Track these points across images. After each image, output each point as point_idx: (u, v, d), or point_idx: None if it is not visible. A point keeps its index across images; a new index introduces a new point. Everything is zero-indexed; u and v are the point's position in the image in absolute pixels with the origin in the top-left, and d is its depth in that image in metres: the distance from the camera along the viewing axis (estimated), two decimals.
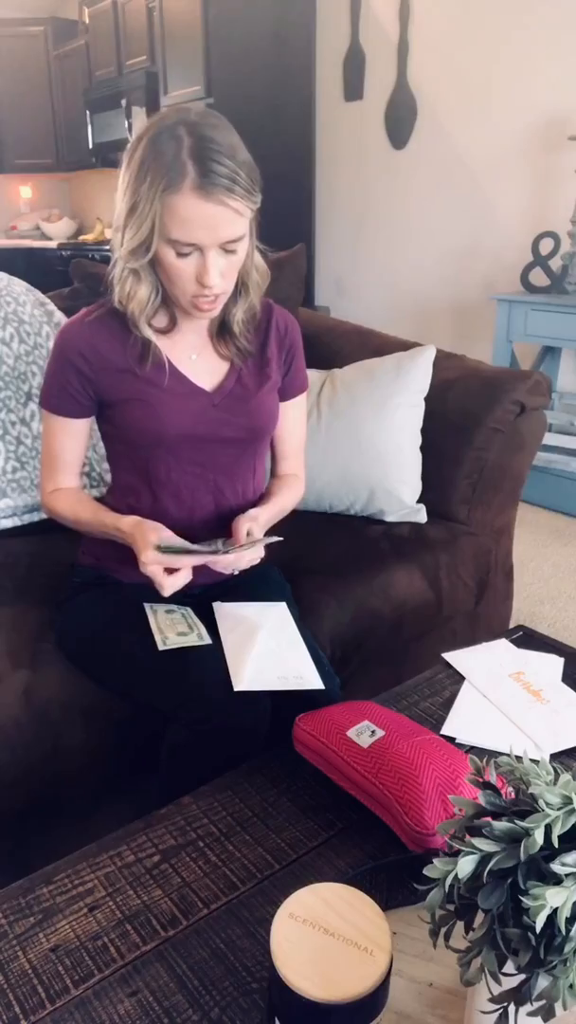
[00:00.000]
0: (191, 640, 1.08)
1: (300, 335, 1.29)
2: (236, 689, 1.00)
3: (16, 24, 5.38)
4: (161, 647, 1.07)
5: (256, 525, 1.15)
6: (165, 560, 1.06)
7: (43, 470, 1.23)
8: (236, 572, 1.14)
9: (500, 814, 0.59)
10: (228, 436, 1.19)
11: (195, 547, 1.09)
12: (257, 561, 1.14)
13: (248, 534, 1.12)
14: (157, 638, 1.08)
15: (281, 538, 1.14)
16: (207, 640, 1.08)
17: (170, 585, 1.06)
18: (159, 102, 4.20)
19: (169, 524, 1.20)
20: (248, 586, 1.24)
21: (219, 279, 1.05)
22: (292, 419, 1.31)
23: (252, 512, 1.18)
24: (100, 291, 1.15)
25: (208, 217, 0.99)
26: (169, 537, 1.09)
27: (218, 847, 0.84)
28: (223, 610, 1.16)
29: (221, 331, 1.19)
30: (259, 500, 1.29)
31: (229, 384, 1.19)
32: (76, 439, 1.20)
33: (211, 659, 1.05)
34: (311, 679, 1.03)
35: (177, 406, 1.15)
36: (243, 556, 1.10)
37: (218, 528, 1.23)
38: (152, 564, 1.05)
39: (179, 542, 1.09)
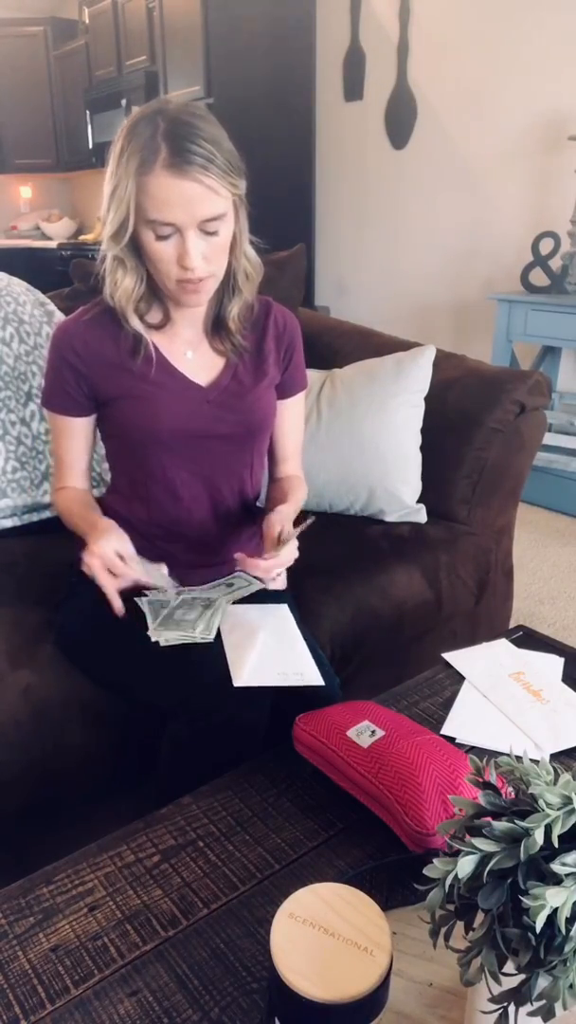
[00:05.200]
0: (188, 638, 1.08)
1: (300, 333, 1.28)
2: (236, 685, 1.00)
3: (16, 24, 5.37)
4: (153, 636, 1.08)
5: (288, 524, 1.14)
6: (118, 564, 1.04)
7: (54, 469, 1.25)
8: (276, 576, 1.12)
9: (500, 814, 0.59)
10: (223, 432, 1.19)
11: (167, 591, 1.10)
12: (295, 558, 1.11)
13: (279, 535, 1.11)
14: (151, 634, 1.09)
15: (314, 517, 1.13)
16: (208, 637, 1.08)
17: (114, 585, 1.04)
18: None
19: (166, 522, 1.20)
20: None
21: (201, 261, 1.04)
22: (292, 418, 1.30)
23: (282, 510, 1.16)
24: (92, 285, 1.15)
25: (182, 195, 0.99)
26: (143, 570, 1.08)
27: (218, 847, 0.84)
28: (226, 610, 1.16)
29: (216, 326, 1.19)
30: (265, 499, 1.29)
31: (224, 380, 1.19)
32: (78, 440, 1.20)
33: (211, 656, 1.05)
34: (311, 676, 1.04)
35: (171, 402, 1.15)
36: (280, 559, 1.08)
37: (214, 527, 1.23)
38: (99, 557, 1.03)
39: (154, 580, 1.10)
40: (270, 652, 1.06)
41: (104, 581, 1.04)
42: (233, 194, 1.04)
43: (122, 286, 1.09)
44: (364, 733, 0.92)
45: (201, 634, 1.08)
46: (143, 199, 1.00)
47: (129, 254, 1.07)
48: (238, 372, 1.21)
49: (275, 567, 1.09)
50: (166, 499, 1.20)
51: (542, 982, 0.53)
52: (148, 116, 1.01)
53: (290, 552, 1.10)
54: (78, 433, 1.20)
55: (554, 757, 0.98)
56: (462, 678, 1.13)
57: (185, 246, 1.02)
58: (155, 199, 0.99)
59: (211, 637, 1.08)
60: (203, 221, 1.01)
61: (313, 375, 1.72)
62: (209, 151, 0.99)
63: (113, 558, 1.03)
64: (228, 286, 1.15)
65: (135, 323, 1.13)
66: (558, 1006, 0.53)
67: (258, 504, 1.33)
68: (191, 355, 1.19)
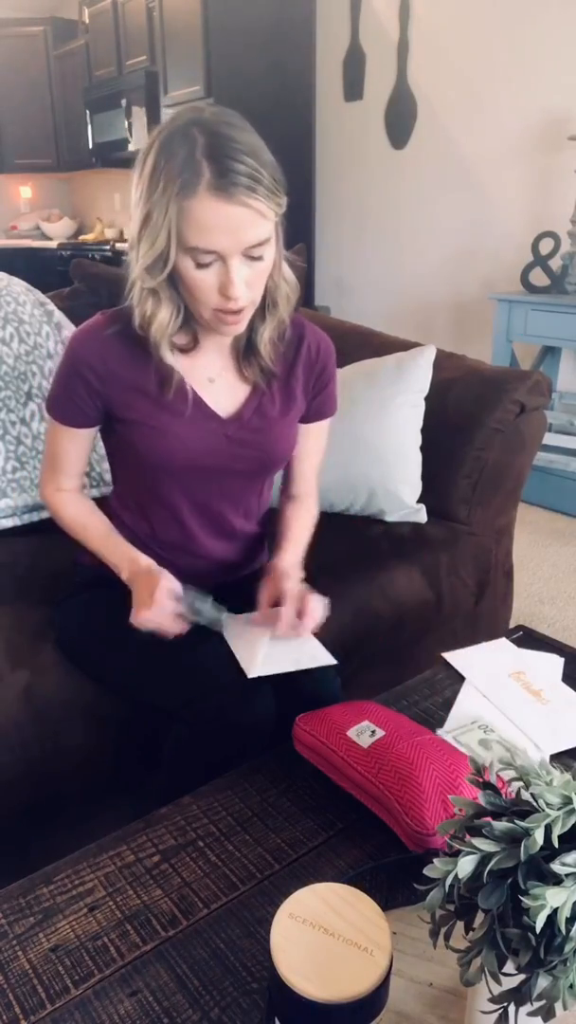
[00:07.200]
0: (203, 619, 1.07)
1: (334, 359, 1.21)
2: (250, 676, 0.99)
3: (16, 24, 5.38)
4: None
5: (293, 581, 1.10)
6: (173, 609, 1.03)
7: (44, 468, 1.20)
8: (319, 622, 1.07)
9: (500, 814, 0.59)
10: (239, 469, 1.14)
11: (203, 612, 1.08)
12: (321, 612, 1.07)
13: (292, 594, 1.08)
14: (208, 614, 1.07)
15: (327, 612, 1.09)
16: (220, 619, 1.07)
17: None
18: (159, 102, 4.20)
19: (170, 540, 1.18)
20: (249, 591, 1.22)
21: (244, 289, 0.96)
22: (315, 440, 1.24)
23: (284, 569, 1.12)
24: (102, 294, 1.12)
25: (228, 220, 0.91)
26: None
27: (218, 847, 0.84)
28: (228, 622, 1.15)
29: (247, 351, 1.11)
30: (266, 519, 1.27)
31: (247, 413, 1.12)
32: (79, 446, 1.16)
33: (215, 657, 1.05)
34: (323, 657, 1.04)
35: (188, 435, 1.09)
36: (308, 621, 1.05)
37: (220, 546, 1.22)
38: (161, 612, 1.02)
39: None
40: (279, 643, 1.06)
41: (168, 631, 1.02)
42: (277, 215, 0.97)
43: (157, 319, 1.01)
44: (364, 733, 0.92)
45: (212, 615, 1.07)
46: (185, 226, 0.92)
47: (165, 285, 0.99)
48: (263, 403, 1.13)
49: (307, 627, 1.05)
50: (170, 522, 1.17)
51: (542, 982, 0.53)
52: (182, 129, 0.92)
53: (318, 608, 1.06)
54: (80, 440, 1.15)
55: (554, 757, 0.98)
56: (462, 678, 1.13)
57: (229, 275, 0.94)
58: (198, 225, 0.91)
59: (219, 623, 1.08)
60: (248, 247, 0.94)
61: None
62: (254, 168, 0.91)
63: (173, 614, 1.02)
64: (262, 309, 1.06)
65: (168, 358, 1.04)
66: (558, 1006, 0.53)
67: (272, 505, 1.30)
68: (215, 382, 1.11)
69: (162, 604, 1.02)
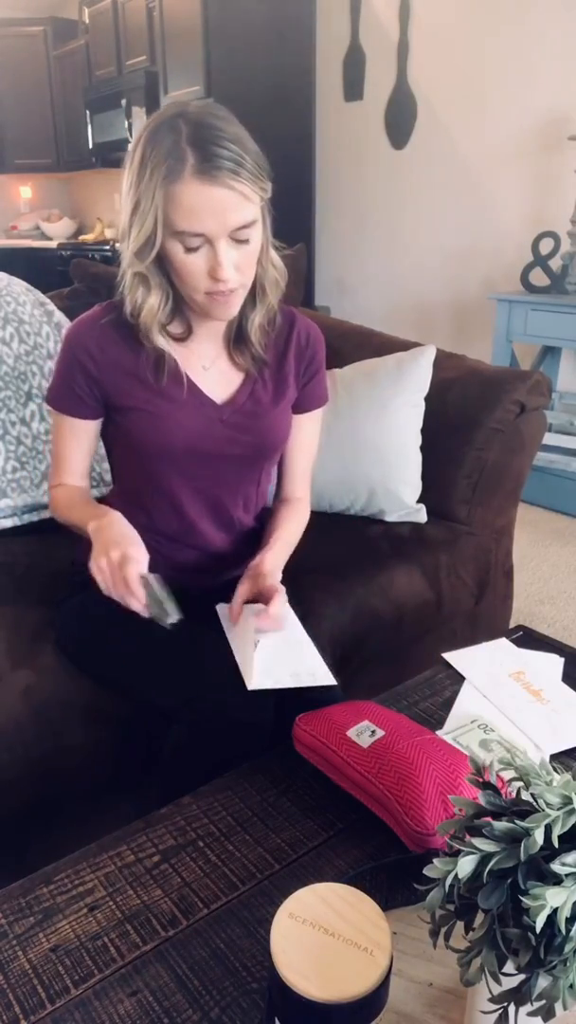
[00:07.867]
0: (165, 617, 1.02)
1: (323, 347, 1.24)
2: (250, 688, 0.99)
3: (16, 24, 5.38)
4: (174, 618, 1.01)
5: (273, 579, 1.11)
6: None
7: (52, 466, 1.22)
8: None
9: (500, 814, 0.59)
10: (235, 453, 1.16)
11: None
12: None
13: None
14: (165, 609, 1.02)
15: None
16: (176, 618, 1.02)
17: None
18: (159, 102, 4.20)
19: (167, 531, 1.19)
20: None
21: (233, 272, 1.00)
22: (306, 435, 1.26)
23: (268, 571, 1.11)
24: (102, 294, 1.13)
25: (213, 202, 0.94)
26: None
27: (218, 847, 0.84)
28: (226, 612, 1.15)
29: (237, 338, 1.14)
30: (261, 513, 1.27)
31: (241, 398, 1.15)
32: (81, 441, 1.17)
33: (215, 657, 1.06)
34: (323, 676, 1.03)
35: (184, 420, 1.12)
36: (280, 615, 1.07)
37: (218, 537, 1.22)
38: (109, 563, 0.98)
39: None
40: (281, 654, 1.05)
41: (110, 592, 1.00)
42: (262, 199, 1.00)
43: (146, 305, 1.04)
44: (364, 733, 0.92)
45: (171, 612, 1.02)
46: (170, 210, 0.95)
47: (154, 271, 1.03)
48: (256, 390, 1.16)
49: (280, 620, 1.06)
50: (168, 511, 1.18)
51: (542, 982, 0.53)
52: (168, 121, 0.96)
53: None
54: (82, 434, 1.16)
55: (554, 757, 0.98)
56: (462, 678, 1.13)
57: (217, 257, 0.98)
58: (184, 209, 0.95)
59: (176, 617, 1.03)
60: (234, 229, 0.97)
61: None
62: (237, 153, 0.94)
63: (127, 573, 0.97)
64: (252, 295, 1.10)
65: (160, 342, 1.08)
66: (558, 1006, 0.53)
67: (267, 506, 1.32)
68: (208, 369, 1.14)
69: (133, 586, 0.98)
